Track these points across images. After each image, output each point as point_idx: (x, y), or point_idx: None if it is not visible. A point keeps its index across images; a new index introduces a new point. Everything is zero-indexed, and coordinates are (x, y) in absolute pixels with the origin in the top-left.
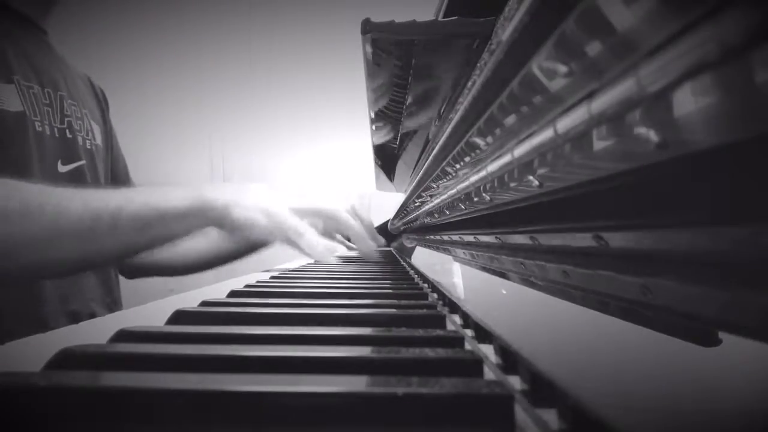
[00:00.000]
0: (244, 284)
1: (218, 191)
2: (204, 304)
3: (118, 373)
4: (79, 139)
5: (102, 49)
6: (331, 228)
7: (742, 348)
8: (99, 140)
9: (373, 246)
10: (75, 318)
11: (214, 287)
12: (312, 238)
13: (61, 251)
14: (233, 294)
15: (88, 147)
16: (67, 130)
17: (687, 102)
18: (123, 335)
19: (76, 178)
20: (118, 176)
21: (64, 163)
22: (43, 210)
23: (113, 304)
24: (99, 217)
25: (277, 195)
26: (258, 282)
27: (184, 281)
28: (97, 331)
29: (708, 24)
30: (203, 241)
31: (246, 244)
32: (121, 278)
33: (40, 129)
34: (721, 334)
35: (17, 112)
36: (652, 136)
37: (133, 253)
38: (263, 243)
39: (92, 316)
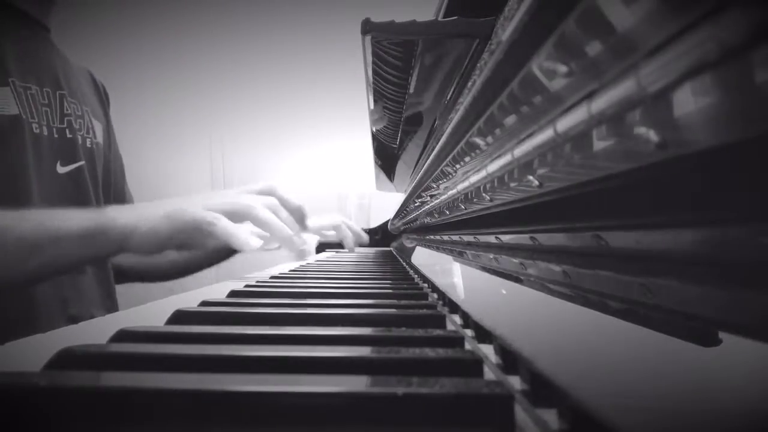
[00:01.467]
0: (244, 284)
1: (129, 211)
2: (204, 304)
3: (118, 373)
4: (79, 138)
5: (102, 49)
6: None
7: (742, 348)
8: (99, 138)
9: (297, 242)
10: (75, 322)
11: (214, 287)
12: (227, 224)
13: None
14: (233, 294)
15: (89, 145)
16: (66, 130)
17: (687, 102)
18: (123, 335)
19: (76, 179)
20: (115, 176)
21: (63, 164)
22: None
23: (112, 306)
24: None
25: (192, 199)
26: (258, 282)
27: (184, 281)
28: (97, 332)
29: (708, 24)
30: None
31: (211, 252)
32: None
33: (38, 131)
34: (721, 334)
35: (12, 116)
36: (652, 136)
37: (32, 279)
38: (226, 249)
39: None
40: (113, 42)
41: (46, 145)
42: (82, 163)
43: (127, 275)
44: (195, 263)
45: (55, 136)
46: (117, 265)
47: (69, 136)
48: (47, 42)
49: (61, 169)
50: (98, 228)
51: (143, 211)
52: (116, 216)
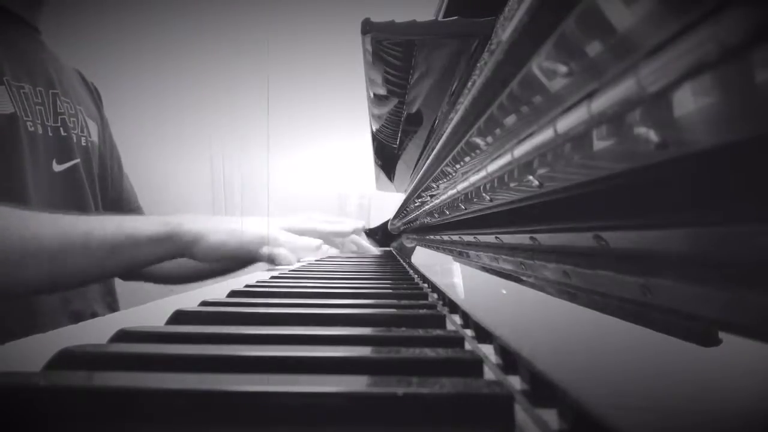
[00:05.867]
0: (244, 284)
1: (192, 221)
2: (204, 303)
3: (118, 373)
4: (74, 136)
5: (101, 49)
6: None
7: (742, 348)
8: (94, 136)
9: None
10: (77, 318)
11: (214, 287)
12: (287, 253)
13: (29, 272)
14: (233, 294)
15: (83, 144)
16: (61, 128)
17: (687, 102)
18: (123, 335)
19: (72, 177)
20: (112, 171)
21: (59, 162)
22: (9, 233)
23: (113, 302)
24: (69, 240)
25: (254, 222)
26: (258, 282)
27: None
28: (97, 331)
29: (708, 24)
30: None
31: (231, 263)
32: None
33: (33, 129)
34: (721, 334)
35: (8, 114)
36: (652, 136)
37: (106, 275)
38: (246, 261)
39: (94, 315)
40: (111, 42)
41: (41, 143)
42: (77, 161)
43: (143, 276)
44: (218, 271)
45: (50, 134)
46: (157, 269)
47: (63, 134)
48: (38, 42)
49: (57, 168)
50: (169, 233)
51: (208, 224)
52: (189, 227)
